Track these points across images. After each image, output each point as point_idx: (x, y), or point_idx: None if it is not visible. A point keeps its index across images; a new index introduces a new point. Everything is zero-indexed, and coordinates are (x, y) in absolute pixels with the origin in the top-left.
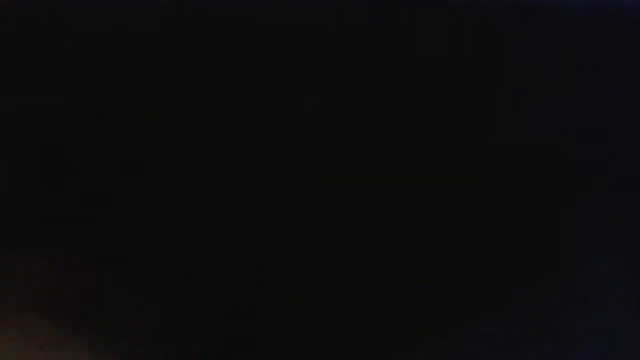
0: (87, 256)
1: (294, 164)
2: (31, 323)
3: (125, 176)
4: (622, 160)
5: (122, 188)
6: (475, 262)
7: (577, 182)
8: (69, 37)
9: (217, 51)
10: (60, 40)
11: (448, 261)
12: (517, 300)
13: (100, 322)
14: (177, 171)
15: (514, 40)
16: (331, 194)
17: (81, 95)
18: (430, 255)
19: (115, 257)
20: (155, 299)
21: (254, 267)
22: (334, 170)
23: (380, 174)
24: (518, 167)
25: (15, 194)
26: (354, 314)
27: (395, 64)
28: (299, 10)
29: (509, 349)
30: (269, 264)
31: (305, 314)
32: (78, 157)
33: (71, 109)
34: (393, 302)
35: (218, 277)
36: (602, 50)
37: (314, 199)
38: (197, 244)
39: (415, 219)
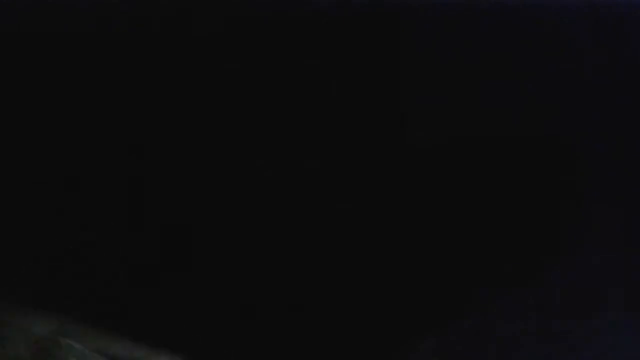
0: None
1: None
2: None
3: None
4: (622, 157)
5: (120, 188)
6: (474, 259)
7: (576, 180)
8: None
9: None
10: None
11: (447, 258)
12: (516, 298)
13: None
14: (175, 170)
15: (515, 39)
16: (324, 191)
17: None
18: (428, 251)
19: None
20: (153, 298)
21: (252, 264)
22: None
23: (382, 170)
24: (517, 165)
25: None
26: (352, 312)
27: (396, 62)
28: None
29: (507, 348)
30: (264, 261)
31: (303, 311)
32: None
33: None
34: (393, 300)
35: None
36: (601, 49)
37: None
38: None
39: (417, 216)
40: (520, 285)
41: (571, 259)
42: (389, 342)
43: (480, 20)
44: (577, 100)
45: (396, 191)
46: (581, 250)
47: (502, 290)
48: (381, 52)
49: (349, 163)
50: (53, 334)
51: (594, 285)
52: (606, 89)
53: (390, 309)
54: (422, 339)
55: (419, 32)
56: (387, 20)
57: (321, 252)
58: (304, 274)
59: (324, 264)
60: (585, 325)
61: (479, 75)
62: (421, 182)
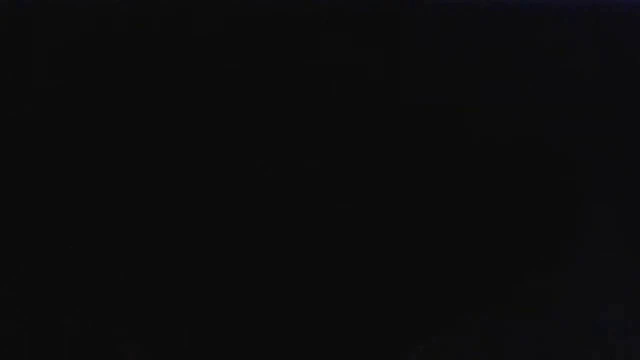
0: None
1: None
2: None
3: (123, 177)
4: (622, 157)
5: (120, 188)
6: (474, 259)
7: (576, 180)
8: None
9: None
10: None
11: (447, 258)
12: (516, 297)
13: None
14: (176, 170)
15: (517, 39)
16: (323, 189)
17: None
18: (429, 252)
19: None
20: (155, 299)
21: (252, 264)
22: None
23: (385, 171)
24: (518, 164)
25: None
26: (351, 312)
27: (399, 63)
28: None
29: (507, 347)
30: (265, 261)
31: (303, 311)
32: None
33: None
34: (393, 300)
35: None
36: (601, 49)
37: (305, 196)
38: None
39: (419, 215)
40: (520, 284)
41: (571, 259)
42: (388, 343)
43: (480, 20)
44: (577, 100)
45: (396, 191)
46: (581, 250)
47: (502, 290)
48: (381, 52)
49: (348, 163)
50: None
51: (594, 285)
52: (606, 89)
53: (390, 310)
54: (422, 340)
55: (419, 32)
56: (387, 20)
57: (321, 252)
58: (303, 274)
59: (323, 264)
60: (586, 325)
61: (479, 75)
62: (420, 182)
